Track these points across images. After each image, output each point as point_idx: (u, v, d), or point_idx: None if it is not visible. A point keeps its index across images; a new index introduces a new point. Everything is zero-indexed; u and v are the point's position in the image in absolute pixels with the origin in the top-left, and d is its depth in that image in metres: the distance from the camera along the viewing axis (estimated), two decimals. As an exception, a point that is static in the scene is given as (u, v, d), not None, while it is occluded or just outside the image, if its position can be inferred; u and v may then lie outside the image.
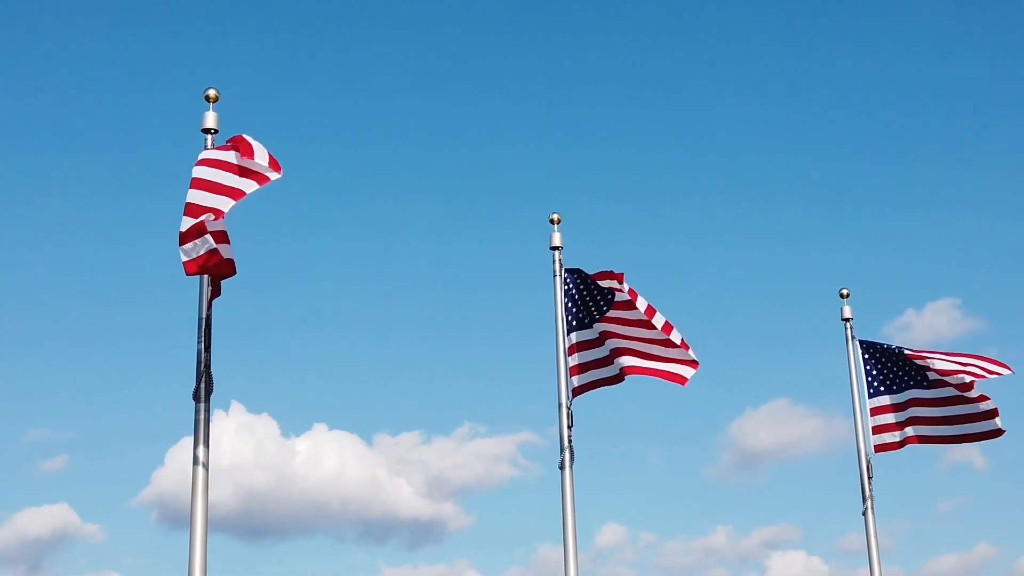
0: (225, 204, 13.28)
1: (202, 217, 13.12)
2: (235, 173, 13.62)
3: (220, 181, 13.49)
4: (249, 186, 13.53)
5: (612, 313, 17.99)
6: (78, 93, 55.22)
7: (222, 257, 13.21)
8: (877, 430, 21.20)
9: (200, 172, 13.57)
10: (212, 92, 14.70)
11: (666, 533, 50.40)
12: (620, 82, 58.95)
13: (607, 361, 18.03)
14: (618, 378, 18.04)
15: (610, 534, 48.67)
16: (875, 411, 21.27)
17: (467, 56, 59.43)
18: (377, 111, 58.06)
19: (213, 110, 14.68)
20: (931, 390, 20.95)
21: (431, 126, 58.21)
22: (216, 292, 13.78)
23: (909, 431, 21.09)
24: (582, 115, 58.97)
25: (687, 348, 17.90)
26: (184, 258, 13.15)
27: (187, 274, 13.25)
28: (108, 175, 54.40)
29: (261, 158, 13.65)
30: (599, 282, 17.96)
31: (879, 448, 21.15)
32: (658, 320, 17.72)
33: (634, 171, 57.78)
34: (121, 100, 55.58)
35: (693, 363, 17.90)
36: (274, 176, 13.63)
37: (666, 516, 49.97)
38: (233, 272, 13.43)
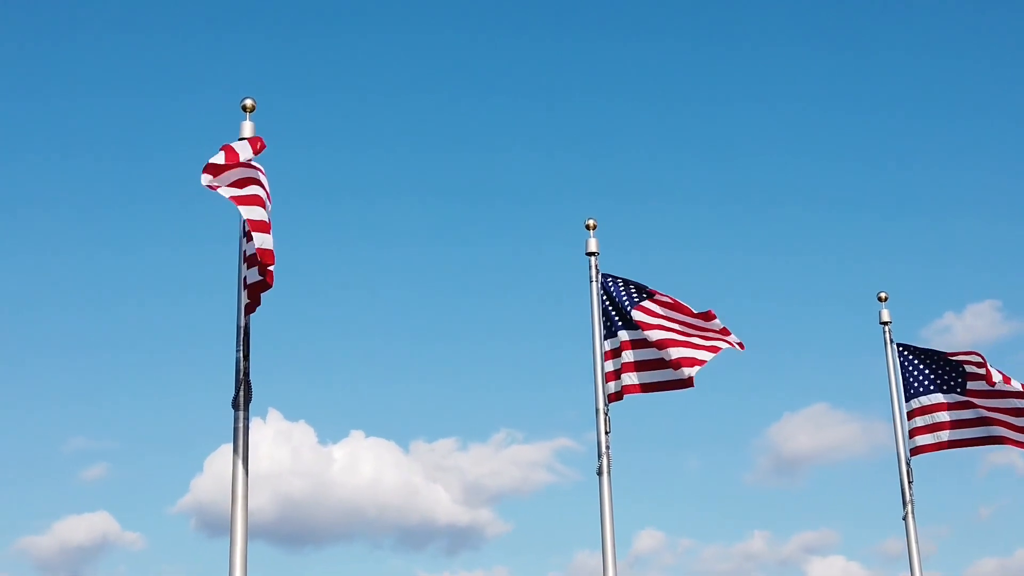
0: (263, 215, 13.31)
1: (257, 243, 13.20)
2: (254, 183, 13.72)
3: (257, 193, 13.56)
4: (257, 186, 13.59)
5: (646, 304, 17.89)
6: (120, 103, 55.67)
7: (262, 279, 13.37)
8: (914, 433, 21.08)
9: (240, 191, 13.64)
10: (249, 102, 14.78)
11: (704, 539, 50.23)
12: (657, 87, 58.91)
13: (664, 364, 17.82)
14: (686, 382, 17.77)
15: (648, 540, 48.57)
16: (912, 414, 21.16)
17: (503, 61, 59.53)
18: (413, 117, 58.22)
19: (250, 120, 14.76)
20: (969, 393, 20.81)
21: (467, 131, 58.33)
22: (253, 304, 13.84)
23: (944, 434, 20.96)
24: (618, 120, 58.94)
25: (728, 333, 17.78)
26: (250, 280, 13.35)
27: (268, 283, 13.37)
28: (144, 184, 54.78)
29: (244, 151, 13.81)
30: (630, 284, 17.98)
31: (916, 451, 21.04)
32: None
33: (669, 176, 57.68)
34: (160, 109, 55.93)
35: (739, 344, 17.75)
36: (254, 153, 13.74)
37: (704, 521, 49.81)
38: (270, 286, 13.51)
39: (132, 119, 55.83)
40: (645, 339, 17.79)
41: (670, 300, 17.94)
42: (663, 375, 17.82)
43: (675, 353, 17.54)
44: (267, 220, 13.16)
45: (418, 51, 59.17)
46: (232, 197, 13.29)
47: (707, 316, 17.76)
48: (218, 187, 13.35)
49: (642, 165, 57.81)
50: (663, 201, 57.02)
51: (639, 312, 17.92)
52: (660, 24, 59.43)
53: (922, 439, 21.04)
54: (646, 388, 17.90)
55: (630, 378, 17.92)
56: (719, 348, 17.70)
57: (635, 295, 18.08)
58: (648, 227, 54.10)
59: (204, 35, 56.76)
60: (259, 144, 14.11)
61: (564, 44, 59.36)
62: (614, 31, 59.42)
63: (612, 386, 17.95)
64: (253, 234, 12.99)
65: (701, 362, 17.54)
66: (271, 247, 12.97)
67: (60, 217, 53.44)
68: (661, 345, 17.63)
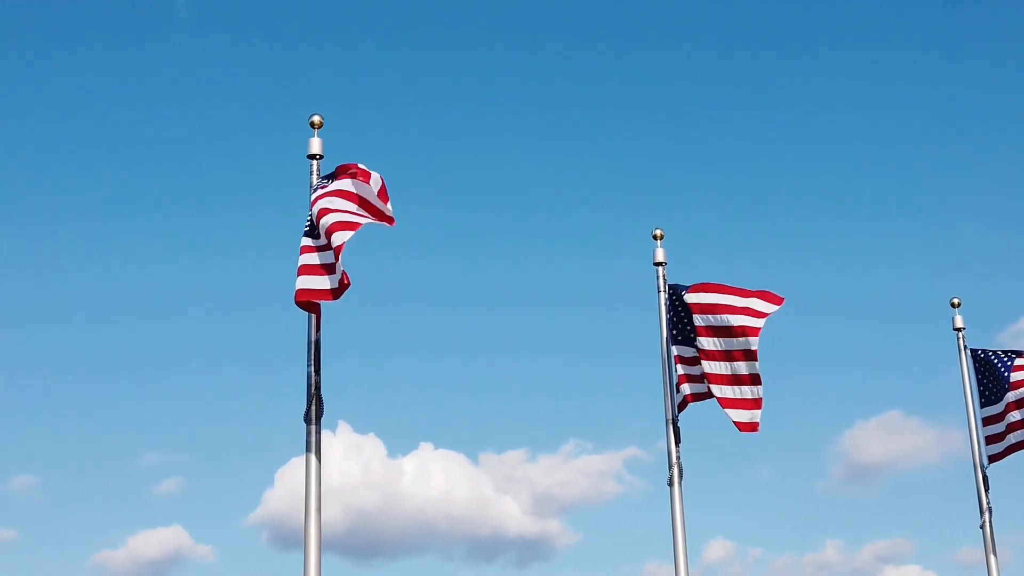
0: (343, 237, 13.45)
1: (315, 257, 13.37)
2: (355, 202, 13.88)
3: (340, 208, 13.74)
4: (365, 219, 13.75)
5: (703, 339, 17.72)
6: (192, 120, 56.36)
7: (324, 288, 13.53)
8: (991, 439, 20.81)
9: (321, 204, 13.82)
10: (317, 118, 14.94)
11: (775, 548, 49.80)
12: (724, 97, 58.63)
13: (701, 379, 17.80)
14: (707, 394, 17.74)
15: (718, 549, 48.23)
16: (988, 420, 20.89)
17: (571, 72, 59.58)
18: (480, 129, 58.41)
19: (318, 136, 14.92)
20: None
21: (536, 143, 58.40)
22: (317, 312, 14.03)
23: (1011, 438, 20.67)
24: (685, 130, 58.74)
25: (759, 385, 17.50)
26: (298, 286, 13.47)
27: (295, 301, 13.56)
28: (215, 198, 55.42)
29: (376, 189, 13.98)
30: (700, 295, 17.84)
31: (993, 458, 20.77)
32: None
33: (737, 186, 57.36)
34: (229, 126, 56.58)
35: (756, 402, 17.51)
36: (387, 218, 13.90)
37: (775, 531, 49.38)
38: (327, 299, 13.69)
39: (206, 135, 56.52)
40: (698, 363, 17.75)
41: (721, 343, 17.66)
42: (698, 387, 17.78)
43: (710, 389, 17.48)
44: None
45: (483, 64, 59.39)
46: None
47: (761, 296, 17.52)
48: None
49: (709, 175, 57.58)
50: (731, 211, 56.72)
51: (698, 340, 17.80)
52: (727, 36, 59.20)
53: (998, 446, 20.76)
54: (702, 396, 17.83)
55: (696, 387, 17.86)
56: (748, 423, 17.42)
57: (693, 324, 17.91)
58: (715, 237, 53.84)
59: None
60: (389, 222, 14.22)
61: (632, 56, 59.30)
62: (682, 44, 59.30)
63: (680, 396, 17.89)
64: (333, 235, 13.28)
65: (751, 425, 17.40)
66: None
67: (131, 231, 54.21)
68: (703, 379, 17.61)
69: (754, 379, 17.18)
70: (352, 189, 13.99)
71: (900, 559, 48.31)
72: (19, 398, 49.42)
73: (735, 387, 17.27)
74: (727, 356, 17.35)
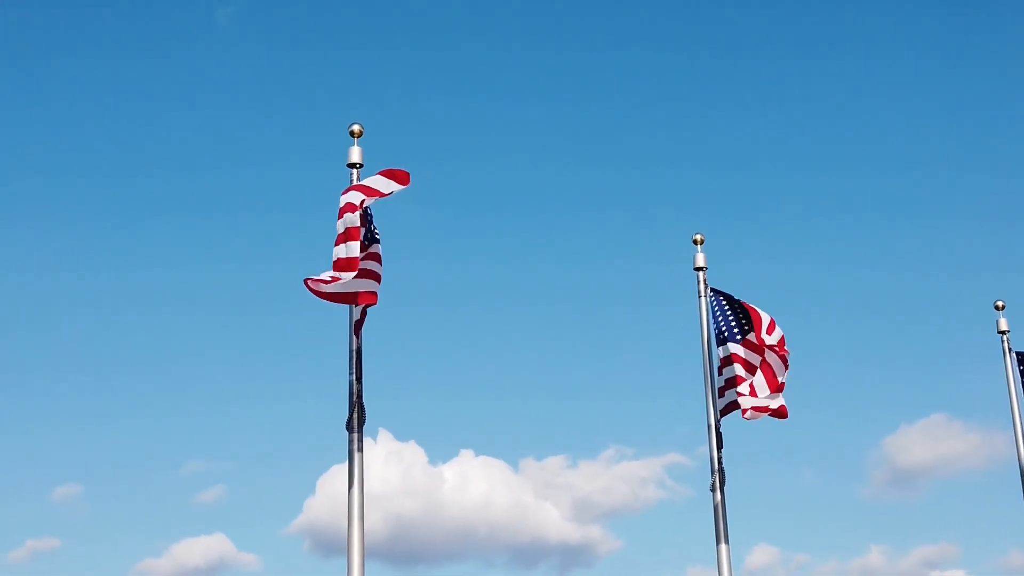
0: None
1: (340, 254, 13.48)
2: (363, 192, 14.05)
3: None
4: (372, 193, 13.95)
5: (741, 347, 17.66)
6: (233, 129, 56.72)
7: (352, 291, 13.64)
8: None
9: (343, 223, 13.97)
10: (356, 127, 15.02)
11: (820, 554, 49.45)
12: (763, 99, 58.38)
13: (731, 383, 17.73)
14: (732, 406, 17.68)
15: (762, 555, 47.94)
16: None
17: (609, 75, 59.53)
18: (521, 133, 58.34)
19: (358, 145, 15.00)
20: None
21: (575, 146, 58.31)
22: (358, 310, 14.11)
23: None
24: (724, 134, 58.53)
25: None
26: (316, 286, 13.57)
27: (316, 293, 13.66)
28: (254, 205, 55.70)
29: (388, 178, 14.17)
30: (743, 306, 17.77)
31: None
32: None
33: (777, 189, 57.08)
34: (269, 135, 56.87)
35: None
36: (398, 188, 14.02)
37: (819, 536, 49.03)
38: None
39: (246, 145, 56.83)
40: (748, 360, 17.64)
41: (757, 342, 17.60)
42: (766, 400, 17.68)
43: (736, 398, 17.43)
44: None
45: (523, 68, 59.41)
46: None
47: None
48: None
49: (749, 179, 57.32)
50: (771, 215, 56.44)
51: (736, 347, 17.70)
52: (771, 37, 58.92)
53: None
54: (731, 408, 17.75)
55: (735, 393, 17.77)
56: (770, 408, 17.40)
57: (735, 327, 17.82)
58: (756, 241, 53.60)
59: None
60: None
61: (670, 57, 59.15)
62: (724, 45, 59.06)
63: (722, 402, 17.81)
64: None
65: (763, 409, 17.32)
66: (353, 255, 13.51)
67: (173, 237, 54.57)
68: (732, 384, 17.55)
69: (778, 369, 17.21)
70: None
71: (946, 564, 47.87)
72: (62, 407, 49.86)
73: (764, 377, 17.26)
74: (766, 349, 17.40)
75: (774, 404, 17.19)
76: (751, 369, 17.39)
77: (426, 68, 58.32)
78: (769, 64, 58.42)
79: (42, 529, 47.98)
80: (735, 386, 17.51)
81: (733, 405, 17.66)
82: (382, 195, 14.07)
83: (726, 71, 58.49)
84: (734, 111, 58.57)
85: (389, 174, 14.31)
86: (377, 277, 13.89)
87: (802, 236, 55.60)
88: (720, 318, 18.08)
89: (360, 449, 13.80)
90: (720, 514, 17.12)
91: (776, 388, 17.24)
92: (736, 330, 17.73)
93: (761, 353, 17.44)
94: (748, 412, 17.13)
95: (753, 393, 17.20)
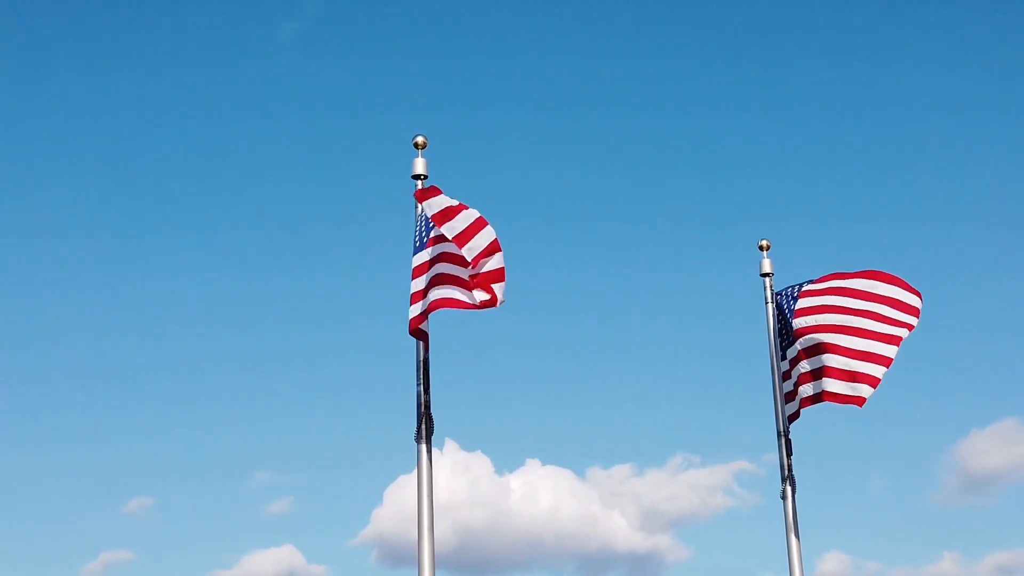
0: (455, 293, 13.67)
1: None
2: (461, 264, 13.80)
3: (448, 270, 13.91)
4: (472, 296, 13.66)
5: (803, 304, 17.55)
6: (297, 142, 57.16)
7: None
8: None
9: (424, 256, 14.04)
10: (420, 139, 15.07)
11: (892, 561, 48.92)
12: (829, 102, 57.89)
13: (828, 373, 17.58)
14: (855, 400, 17.45)
15: (833, 563, 47.44)
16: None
17: (674, 80, 59.32)
18: (583, 142, 58.31)
19: (422, 156, 15.05)
20: None
21: (641, 152, 58.15)
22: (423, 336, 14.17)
23: None
24: (790, 138, 58.10)
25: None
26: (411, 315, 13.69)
27: (409, 331, 13.84)
28: (319, 217, 56.04)
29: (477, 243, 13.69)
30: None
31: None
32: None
33: (845, 193, 56.54)
34: (333, 148, 57.27)
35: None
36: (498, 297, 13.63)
37: (891, 543, 48.47)
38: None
39: (310, 157, 57.27)
40: (807, 349, 17.47)
41: (827, 287, 17.44)
42: (833, 386, 17.45)
43: (840, 363, 17.08)
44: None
45: (584, 78, 59.36)
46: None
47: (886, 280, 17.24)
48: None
49: (817, 183, 56.82)
50: (839, 219, 55.90)
51: (798, 318, 17.52)
52: (833, 38, 58.45)
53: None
54: (814, 400, 17.56)
55: (804, 391, 17.64)
56: (898, 338, 16.95)
57: (792, 299, 17.73)
58: (823, 246, 53.09)
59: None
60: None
61: (735, 62, 58.87)
62: (789, 48, 58.64)
63: (790, 407, 17.70)
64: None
65: (873, 379, 16.98)
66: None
67: (238, 249, 55.09)
68: (821, 350, 17.25)
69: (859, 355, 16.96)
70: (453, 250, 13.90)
71: (1021, 570, 47.12)
72: (133, 420, 50.45)
73: (838, 367, 17.04)
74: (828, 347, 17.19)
75: (848, 391, 16.98)
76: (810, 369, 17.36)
77: (489, 79, 58.47)
78: (840, 65, 57.89)
79: (115, 542, 48.62)
80: (797, 393, 17.48)
81: (796, 414, 17.58)
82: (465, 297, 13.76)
83: (796, 73, 58.06)
84: (799, 111, 58.11)
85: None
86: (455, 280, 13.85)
87: (869, 239, 55.04)
88: (783, 324, 17.99)
89: (429, 460, 13.82)
90: (791, 522, 16.97)
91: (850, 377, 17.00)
92: (792, 336, 17.69)
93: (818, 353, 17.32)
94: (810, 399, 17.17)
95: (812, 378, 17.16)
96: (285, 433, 51.74)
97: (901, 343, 16.85)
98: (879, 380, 16.80)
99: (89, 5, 56.37)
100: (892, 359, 16.81)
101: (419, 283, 13.87)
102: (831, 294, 17.46)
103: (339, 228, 55.70)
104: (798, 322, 17.47)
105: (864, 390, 16.84)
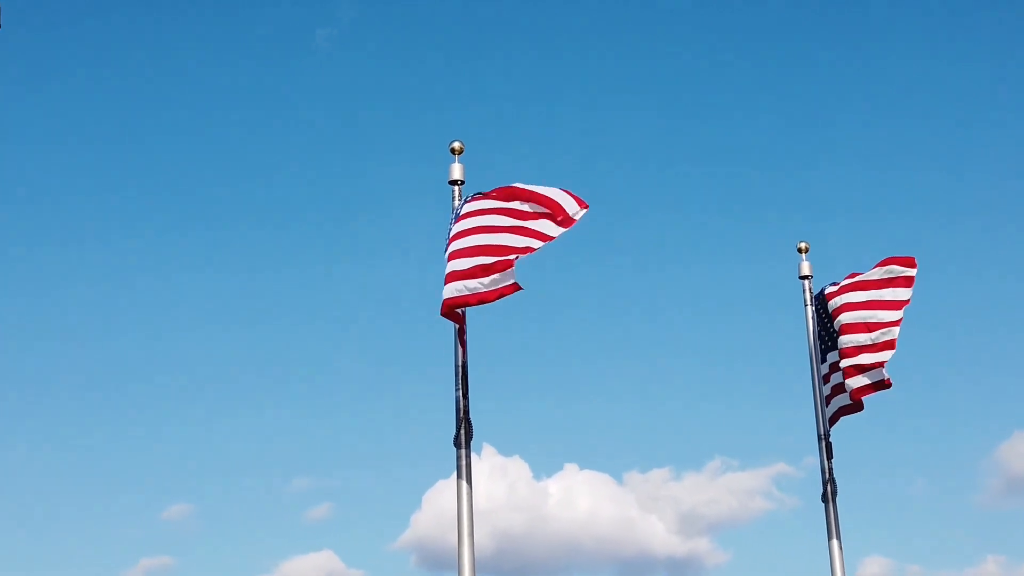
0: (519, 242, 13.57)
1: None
2: (517, 218, 13.84)
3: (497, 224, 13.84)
4: (547, 227, 13.67)
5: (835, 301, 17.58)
6: (334, 148, 57.37)
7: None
8: None
9: (466, 223, 13.96)
10: (457, 144, 15.12)
11: (934, 565, 48.46)
12: (867, 97, 57.49)
13: (842, 388, 17.54)
14: (856, 407, 17.49)
15: (874, 567, 47.08)
16: None
17: (713, 80, 59.17)
18: (623, 142, 58.19)
19: (459, 162, 15.09)
20: None
21: (680, 153, 57.94)
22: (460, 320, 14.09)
23: None
24: (827, 136, 57.76)
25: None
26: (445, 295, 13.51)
27: (441, 312, 13.63)
28: (356, 228, 56.23)
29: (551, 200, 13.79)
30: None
31: None
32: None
33: (882, 192, 56.17)
34: (370, 155, 57.50)
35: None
36: (577, 213, 13.63)
37: (933, 547, 48.07)
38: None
39: (346, 163, 57.51)
40: (843, 349, 17.46)
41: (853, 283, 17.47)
42: (841, 400, 17.45)
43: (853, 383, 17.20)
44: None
45: (626, 72, 59.32)
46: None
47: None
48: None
49: (853, 181, 56.45)
50: (876, 219, 55.53)
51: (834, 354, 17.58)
52: (881, 34, 58.07)
53: None
54: (854, 409, 17.53)
55: (843, 399, 17.61)
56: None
57: (836, 335, 17.71)
58: (860, 246, 52.77)
59: (412, 82, 58.05)
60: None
61: (777, 59, 58.63)
62: (834, 43, 58.32)
63: (829, 410, 17.64)
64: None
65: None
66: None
67: (272, 260, 55.32)
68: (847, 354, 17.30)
69: (884, 345, 16.94)
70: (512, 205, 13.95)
71: (1065, 574, 46.67)
72: (172, 427, 50.75)
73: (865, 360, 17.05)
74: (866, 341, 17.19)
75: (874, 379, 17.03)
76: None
77: (524, 81, 58.49)
78: (880, 60, 57.53)
79: (155, 548, 48.89)
80: (841, 392, 17.42)
81: (841, 412, 17.51)
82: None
83: (838, 67, 57.72)
84: (837, 106, 57.74)
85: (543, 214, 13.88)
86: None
87: (909, 239, 54.63)
88: (822, 327, 17.94)
89: (468, 465, 13.82)
90: (832, 526, 16.89)
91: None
92: (836, 336, 17.63)
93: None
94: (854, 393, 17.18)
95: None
96: (324, 439, 51.94)
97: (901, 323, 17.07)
98: (886, 361, 16.94)
99: (126, 12, 56.80)
100: (896, 339, 16.97)
101: (452, 264, 13.74)
102: (846, 291, 17.51)
103: (375, 233, 55.86)
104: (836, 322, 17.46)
105: (880, 373, 16.93)
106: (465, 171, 15.02)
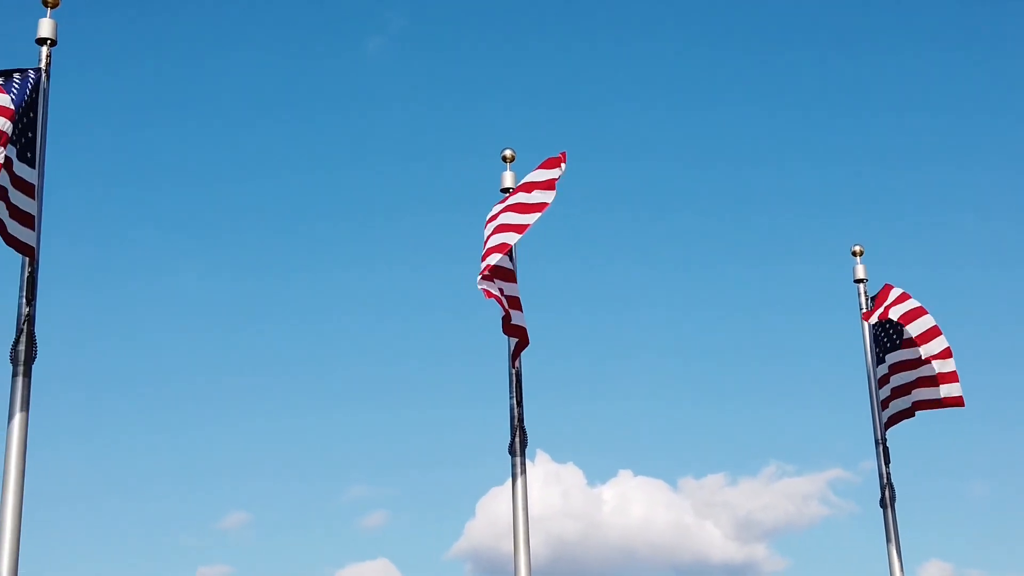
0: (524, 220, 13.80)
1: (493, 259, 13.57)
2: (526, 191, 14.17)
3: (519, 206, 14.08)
4: (544, 196, 13.98)
5: (898, 353, 17.51)
6: (385, 156, 57.66)
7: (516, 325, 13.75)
8: None
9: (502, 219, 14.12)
10: (509, 152, 15.21)
11: (995, 569, 47.92)
12: (921, 94, 56.97)
13: (903, 391, 17.47)
14: (910, 413, 17.46)
15: (934, 572, 46.62)
16: None
17: (764, 78, 58.94)
18: (671, 136, 58.02)
19: (510, 170, 15.16)
20: None
21: (738, 152, 57.68)
22: (519, 349, 14.18)
23: None
24: (884, 135, 57.31)
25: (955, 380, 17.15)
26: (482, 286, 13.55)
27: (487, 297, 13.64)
28: (409, 238, 56.49)
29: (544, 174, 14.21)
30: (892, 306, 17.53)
31: None
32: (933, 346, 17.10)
33: (940, 193, 55.64)
34: (421, 164, 57.76)
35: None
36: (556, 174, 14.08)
37: (994, 551, 47.51)
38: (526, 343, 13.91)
39: (398, 172, 57.81)
40: (911, 360, 17.38)
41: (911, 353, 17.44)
42: (931, 393, 17.34)
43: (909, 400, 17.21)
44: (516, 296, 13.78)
45: (676, 70, 59.23)
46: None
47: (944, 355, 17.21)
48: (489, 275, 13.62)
49: (911, 183, 55.93)
50: (932, 222, 55.01)
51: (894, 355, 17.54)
52: (936, 30, 57.60)
53: None
54: (917, 406, 17.42)
55: (903, 402, 17.50)
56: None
57: (895, 337, 17.65)
58: (918, 250, 52.27)
59: (463, 91, 58.25)
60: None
61: (831, 54, 58.33)
62: (888, 38, 57.86)
63: (886, 414, 17.55)
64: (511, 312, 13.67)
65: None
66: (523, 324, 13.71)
67: (330, 274, 55.69)
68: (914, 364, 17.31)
69: (944, 352, 16.86)
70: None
71: None
72: (229, 435, 51.15)
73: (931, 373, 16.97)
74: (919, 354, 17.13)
75: (944, 394, 16.96)
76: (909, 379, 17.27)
77: (574, 88, 58.53)
78: (941, 56, 57.02)
79: (212, 557, 49.23)
80: (899, 396, 17.33)
81: (897, 417, 17.42)
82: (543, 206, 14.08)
83: (892, 64, 57.29)
84: (888, 104, 57.28)
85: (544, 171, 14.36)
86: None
87: (963, 242, 54.16)
88: (879, 330, 17.84)
89: (523, 472, 13.86)
90: (891, 531, 16.76)
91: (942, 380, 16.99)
92: (896, 340, 17.52)
93: (916, 365, 17.24)
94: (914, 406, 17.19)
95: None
96: (379, 447, 52.15)
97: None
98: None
99: (179, 24, 57.45)
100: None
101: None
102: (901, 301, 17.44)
103: (425, 240, 56.01)
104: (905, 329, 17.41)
105: (955, 389, 16.88)
106: (516, 179, 15.08)
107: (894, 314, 17.16)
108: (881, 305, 17.32)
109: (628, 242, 55.44)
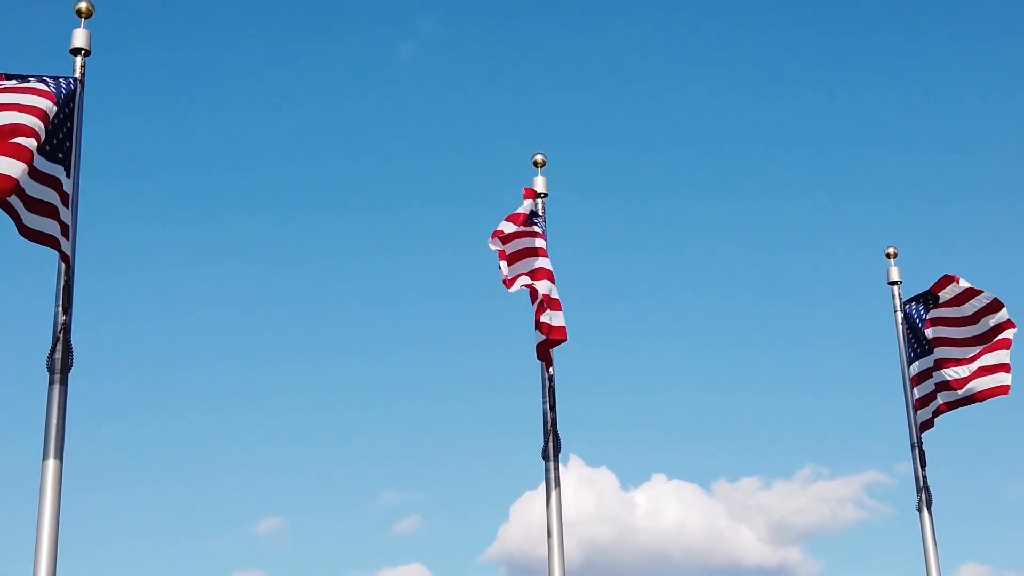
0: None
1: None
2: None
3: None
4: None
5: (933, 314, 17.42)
6: (416, 163, 57.87)
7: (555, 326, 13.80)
8: None
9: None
10: (540, 157, 15.24)
11: (1033, 572, 47.56)
12: (955, 84, 56.61)
13: (944, 387, 17.37)
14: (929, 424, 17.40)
15: (971, 574, 46.34)
16: None
17: (790, 64, 58.76)
18: (703, 133, 58.02)
19: (541, 175, 15.18)
20: None
21: (769, 148, 57.49)
22: (548, 362, 14.27)
23: None
24: (914, 129, 57.01)
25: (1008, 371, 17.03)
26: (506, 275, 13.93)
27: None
28: (438, 245, 56.61)
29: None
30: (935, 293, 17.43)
31: None
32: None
33: (968, 191, 55.30)
34: (453, 170, 57.84)
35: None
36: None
37: (1031, 553, 47.12)
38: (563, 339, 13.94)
39: (428, 179, 57.92)
40: (939, 360, 17.29)
41: (952, 314, 17.29)
42: (965, 391, 17.24)
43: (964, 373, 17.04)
44: (553, 295, 13.87)
45: (704, 63, 59.15)
46: (523, 282, 13.86)
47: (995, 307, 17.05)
48: (504, 259, 13.93)
49: (939, 183, 55.63)
50: (966, 223, 54.67)
51: (929, 330, 17.41)
52: (967, 19, 57.26)
53: None
54: (950, 406, 17.33)
55: (934, 406, 17.42)
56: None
57: (923, 310, 17.58)
58: (951, 249, 51.98)
59: (495, 98, 58.32)
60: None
61: (858, 46, 58.08)
62: (919, 30, 57.51)
63: (921, 415, 17.46)
64: (548, 311, 13.65)
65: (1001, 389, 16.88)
66: (562, 323, 13.80)
67: (359, 279, 55.83)
68: (943, 365, 17.16)
69: (999, 344, 16.75)
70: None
71: None
72: (264, 442, 51.37)
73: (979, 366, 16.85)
74: (966, 350, 16.98)
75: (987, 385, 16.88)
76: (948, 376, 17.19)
77: (604, 93, 58.50)
78: (970, 43, 56.71)
79: (247, 562, 49.50)
80: (932, 400, 17.25)
81: (930, 423, 17.35)
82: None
83: (928, 55, 57.03)
84: (929, 93, 56.95)
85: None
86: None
87: (990, 241, 53.80)
88: (914, 332, 17.75)
89: (557, 477, 13.86)
90: (928, 535, 16.66)
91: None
92: (927, 345, 17.45)
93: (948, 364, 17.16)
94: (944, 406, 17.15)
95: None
96: (412, 452, 52.24)
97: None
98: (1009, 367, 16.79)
99: (215, 31, 57.79)
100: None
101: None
102: (948, 306, 17.28)
103: (459, 249, 56.13)
104: (931, 332, 17.28)
105: (1003, 378, 16.80)
106: (548, 183, 15.11)
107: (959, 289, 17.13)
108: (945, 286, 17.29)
109: (662, 252, 55.39)
